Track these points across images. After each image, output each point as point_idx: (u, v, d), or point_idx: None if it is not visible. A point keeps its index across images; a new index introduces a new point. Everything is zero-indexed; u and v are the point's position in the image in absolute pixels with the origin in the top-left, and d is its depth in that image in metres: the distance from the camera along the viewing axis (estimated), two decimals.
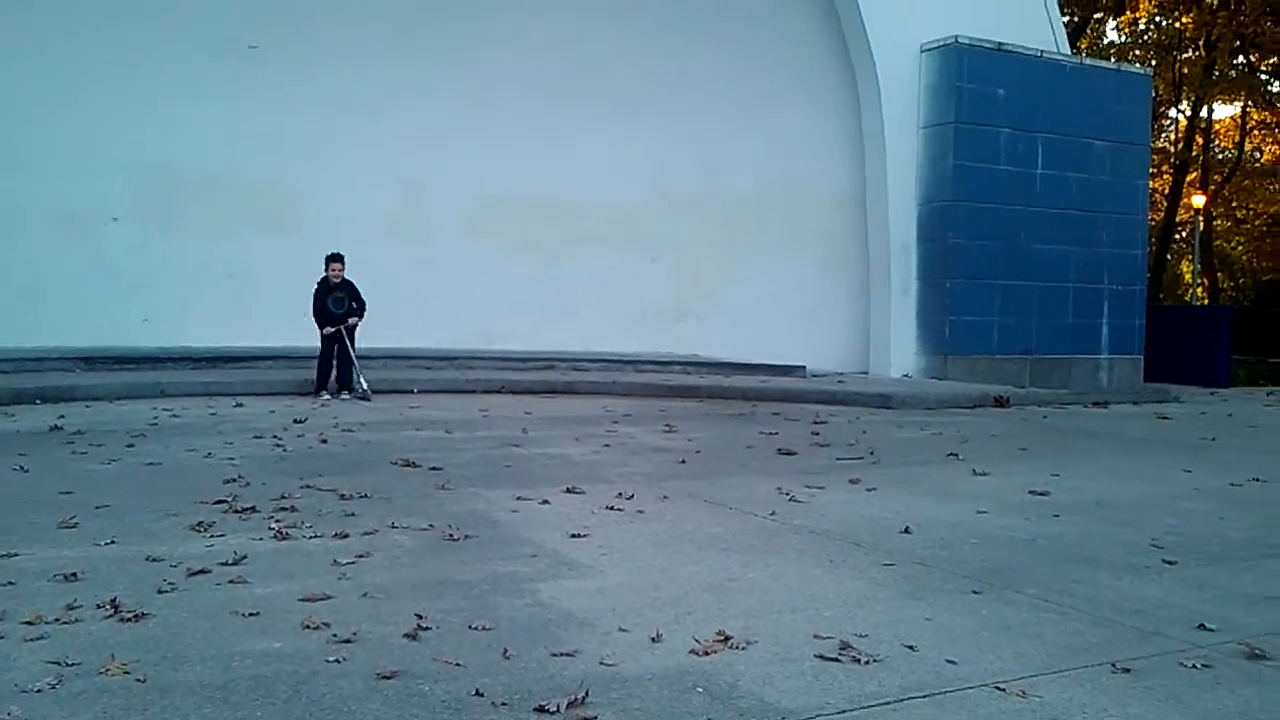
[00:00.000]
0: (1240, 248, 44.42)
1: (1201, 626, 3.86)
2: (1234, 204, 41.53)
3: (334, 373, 11.41)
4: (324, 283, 11.49)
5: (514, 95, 15.02)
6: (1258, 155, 40.73)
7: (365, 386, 11.22)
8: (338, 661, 3.26)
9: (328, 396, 11.17)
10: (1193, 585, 4.47)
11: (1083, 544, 5.22)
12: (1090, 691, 3.20)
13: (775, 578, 4.41)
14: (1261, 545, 5.32)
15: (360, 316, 11.53)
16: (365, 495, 5.84)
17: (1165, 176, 36.41)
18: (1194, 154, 36.44)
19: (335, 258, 11.49)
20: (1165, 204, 36.11)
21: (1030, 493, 6.60)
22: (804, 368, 14.61)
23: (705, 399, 12.15)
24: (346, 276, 11.49)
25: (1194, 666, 3.44)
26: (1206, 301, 37.99)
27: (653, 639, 3.56)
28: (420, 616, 3.70)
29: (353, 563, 4.42)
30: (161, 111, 13.55)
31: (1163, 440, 9.86)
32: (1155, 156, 30.38)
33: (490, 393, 11.99)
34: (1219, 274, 41.68)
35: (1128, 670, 3.38)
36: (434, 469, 6.83)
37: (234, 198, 13.92)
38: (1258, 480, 7.35)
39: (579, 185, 15.28)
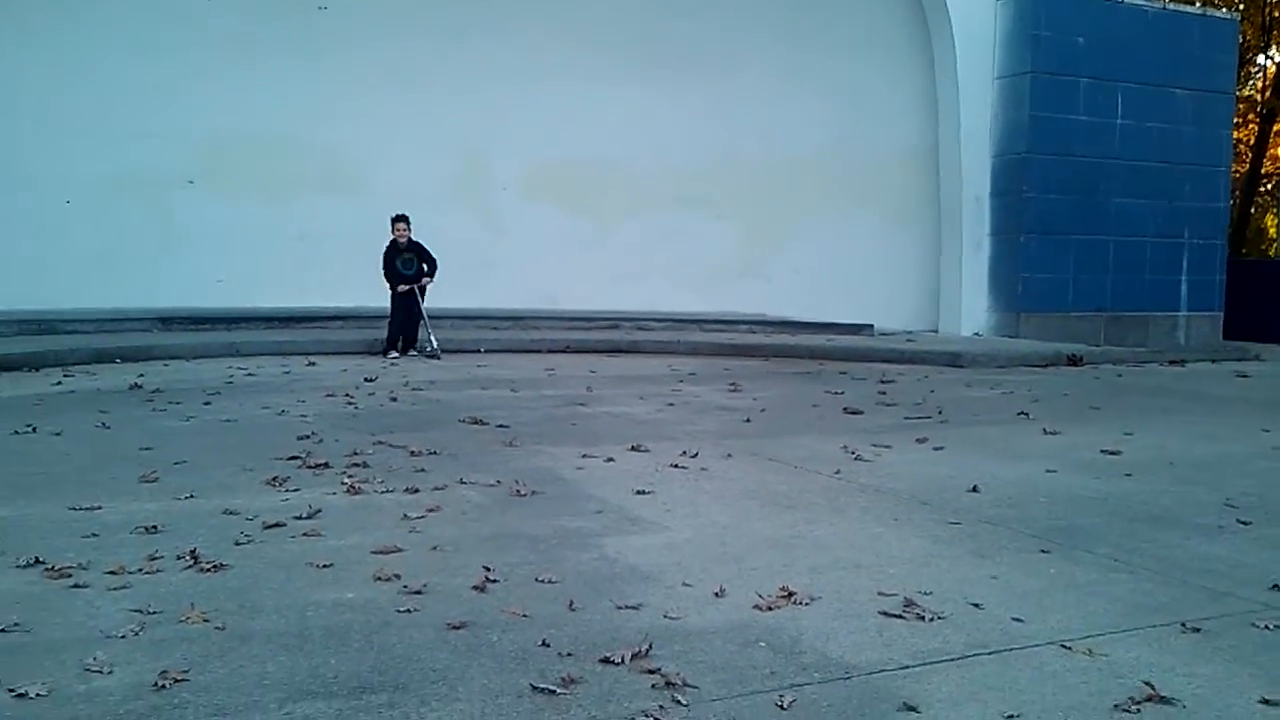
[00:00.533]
0: None
1: (1275, 587, 3.78)
2: None
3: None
4: (392, 245, 11.62)
5: (573, 58, 14.99)
6: None
7: (435, 345, 11.37)
8: (408, 612, 3.34)
9: (396, 355, 11.34)
10: (1267, 546, 4.38)
11: (1154, 503, 5.13)
12: (1158, 651, 3.16)
13: (839, 535, 4.41)
14: None
15: (431, 276, 11.67)
16: (434, 452, 5.93)
17: (1251, 126, 35.13)
18: None
19: (400, 218, 11.60)
20: (1250, 155, 34.89)
21: (1102, 452, 6.49)
22: (872, 326, 14.47)
23: (771, 358, 12.11)
24: (413, 237, 11.61)
25: (1266, 628, 3.37)
26: None
27: (716, 594, 3.59)
28: (488, 569, 3.76)
29: (422, 517, 4.51)
30: (226, 75, 13.79)
31: (1241, 399, 9.62)
32: (1240, 105, 29.30)
33: (555, 352, 12.08)
34: None
35: (1198, 630, 3.33)
36: (501, 426, 6.91)
37: (297, 162, 14.14)
38: None
39: (640, 147, 15.23)
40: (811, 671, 2.96)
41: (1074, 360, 12.56)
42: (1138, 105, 15.34)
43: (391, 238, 11.60)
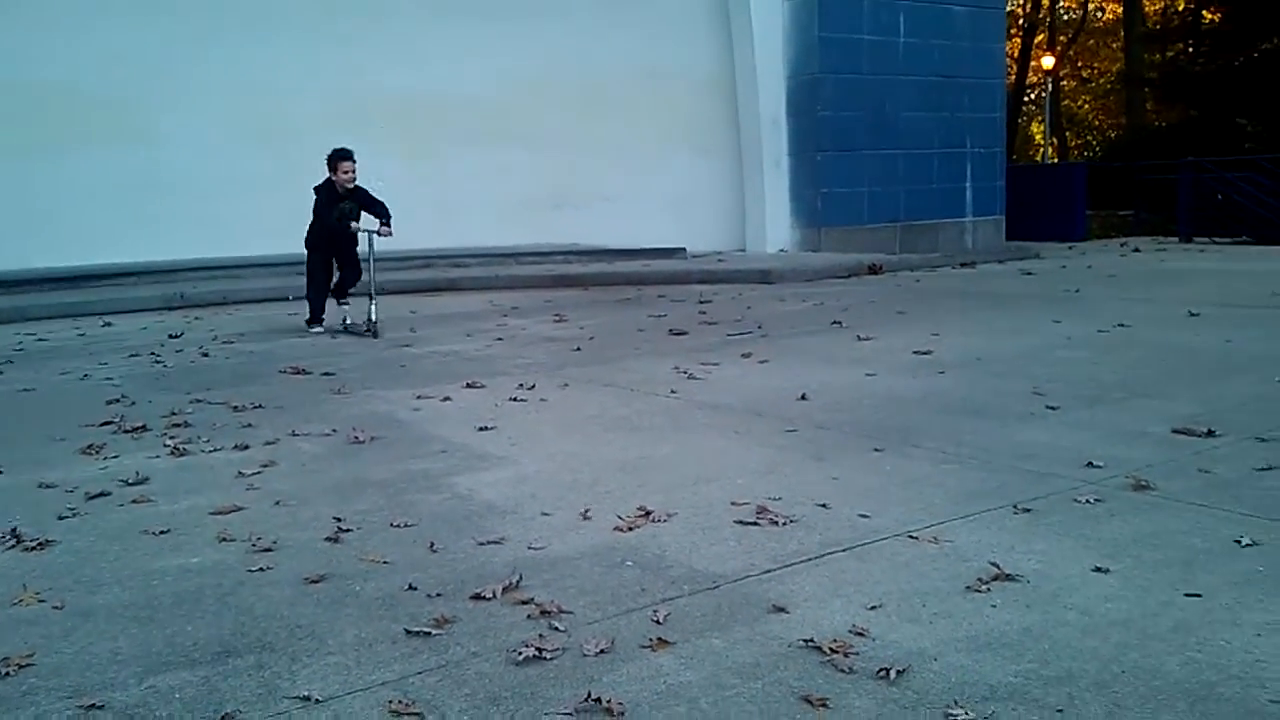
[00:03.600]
0: (1086, 106, 45.86)
1: (1090, 464, 4.09)
2: (1079, 64, 42.80)
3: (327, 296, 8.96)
4: (328, 189, 8.59)
5: None
6: (1099, 14, 41.86)
7: (375, 318, 8.50)
8: (261, 570, 3.22)
9: (320, 329, 8.78)
10: (1076, 427, 4.73)
11: (970, 397, 5.45)
12: (996, 532, 3.37)
13: (686, 452, 4.49)
14: (1132, 386, 5.63)
15: (388, 223, 8.56)
16: (259, 405, 5.69)
17: (1014, 39, 37.15)
18: (1040, 15, 37.21)
19: (343, 155, 8.52)
20: (1015, 67, 36.92)
21: (914, 353, 6.82)
22: (684, 249, 14.65)
23: (590, 287, 12.12)
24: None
25: (1087, 501, 3.65)
26: (1056, 160, 39.21)
27: (576, 520, 3.61)
28: (339, 519, 3.66)
29: (258, 473, 4.34)
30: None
31: (1030, 295, 10.27)
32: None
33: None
34: (1066, 133, 43.06)
35: (1028, 510, 3.58)
36: (325, 374, 6.69)
37: (83, 113, 13.00)
38: (1122, 326, 7.74)
39: (446, 81, 14.75)
40: (680, 584, 3.02)
41: (874, 269, 13.10)
42: (918, 23, 15.90)
43: (327, 178, 8.58)
